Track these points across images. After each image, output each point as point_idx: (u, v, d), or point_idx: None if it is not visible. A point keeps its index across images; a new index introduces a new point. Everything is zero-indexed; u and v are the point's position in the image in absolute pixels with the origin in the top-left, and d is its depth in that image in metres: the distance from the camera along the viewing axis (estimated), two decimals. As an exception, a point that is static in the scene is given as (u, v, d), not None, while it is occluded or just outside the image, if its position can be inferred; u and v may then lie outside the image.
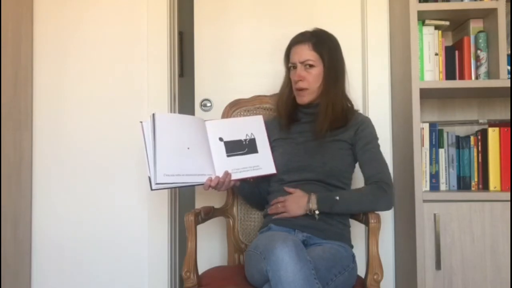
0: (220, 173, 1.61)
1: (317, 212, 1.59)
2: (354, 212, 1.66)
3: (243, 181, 1.70)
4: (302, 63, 1.69)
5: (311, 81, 1.69)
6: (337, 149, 1.67)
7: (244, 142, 1.67)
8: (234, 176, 1.63)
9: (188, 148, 1.59)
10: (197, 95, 2.27)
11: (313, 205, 1.59)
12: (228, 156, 1.65)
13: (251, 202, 1.89)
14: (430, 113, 2.10)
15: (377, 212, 1.59)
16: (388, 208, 1.62)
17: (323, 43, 1.70)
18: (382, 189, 1.60)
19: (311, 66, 1.68)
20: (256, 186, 1.79)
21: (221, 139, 1.66)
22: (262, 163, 1.68)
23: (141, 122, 1.57)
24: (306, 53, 1.69)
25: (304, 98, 1.71)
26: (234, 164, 1.64)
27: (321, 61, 1.69)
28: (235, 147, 1.66)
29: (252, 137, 1.69)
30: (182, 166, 1.55)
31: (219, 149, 1.64)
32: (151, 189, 1.52)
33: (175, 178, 1.53)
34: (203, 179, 1.59)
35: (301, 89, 1.70)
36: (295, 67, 1.71)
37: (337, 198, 1.59)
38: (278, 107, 1.80)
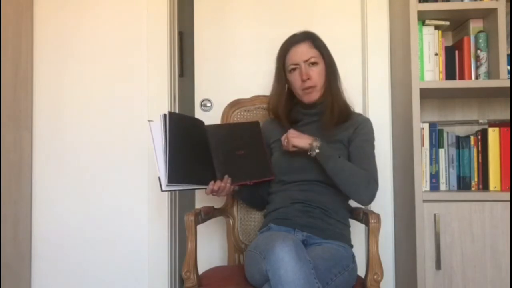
0: (220, 177, 1.62)
1: (317, 150, 1.58)
2: (339, 179, 1.59)
3: (242, 186, 1.69)
4: (306, 61, 1.69)
5: (316, 78, 1.69)
6: (336, 150, 1.67)
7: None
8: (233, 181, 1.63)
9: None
10: (197, 95, 2.27)
11: (317, 143, 1.58)
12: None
13: (251, 205, 1.89)
14: (430, 113, 2.10)
15: (364, 205, 1.62)
16: (368, 201, 1.62)
17: (319, 41, 1.73)
18: (373, 183, 1.61)
19: (314, 63, 1.69)
20: (255, 189, 1.78)
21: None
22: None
23: (149, 121, 1.56)
24: (308, 51, 1.69)
25: (312, 96, 1.70)
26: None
27: (322, 58, 1.71)
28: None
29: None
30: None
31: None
32: (162, 190, 1.52)
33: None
34: (207, 183, 1.60)
35: (308, 88, 1.69)
36: (295, 68, 1.71)
37: (339, 157, 1.61)
38: (277, 110, 1.78)
